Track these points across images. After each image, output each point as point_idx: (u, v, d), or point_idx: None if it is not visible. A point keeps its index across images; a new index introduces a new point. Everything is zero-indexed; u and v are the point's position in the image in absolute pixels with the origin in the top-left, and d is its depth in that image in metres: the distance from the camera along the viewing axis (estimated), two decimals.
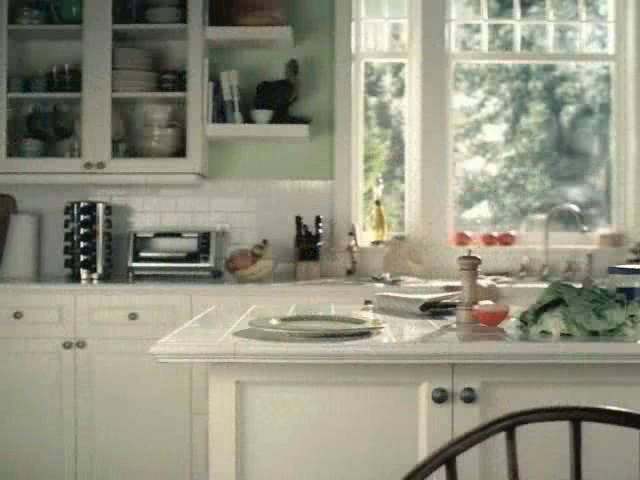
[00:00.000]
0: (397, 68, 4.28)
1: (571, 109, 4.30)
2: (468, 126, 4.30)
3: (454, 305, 2.16)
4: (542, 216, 4.16)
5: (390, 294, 2.49)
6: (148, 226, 4.00)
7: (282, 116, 3.86)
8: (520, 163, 4.27)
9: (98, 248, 3.78)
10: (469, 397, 1.76)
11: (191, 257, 3.77)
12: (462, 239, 4.11)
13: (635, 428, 1.09)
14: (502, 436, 1.10)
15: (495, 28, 4.27)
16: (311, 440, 1.79)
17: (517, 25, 4.23)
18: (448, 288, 3.18)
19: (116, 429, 3.40)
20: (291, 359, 1.72)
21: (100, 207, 3.80)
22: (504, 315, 1.97)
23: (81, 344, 3.40)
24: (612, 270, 2.13)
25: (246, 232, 4.03)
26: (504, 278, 3.82)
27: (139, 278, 3.75)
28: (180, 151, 3.79)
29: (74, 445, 3.40)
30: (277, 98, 3.86)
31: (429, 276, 3.82)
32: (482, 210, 4.27)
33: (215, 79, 3.83)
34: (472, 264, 2.04)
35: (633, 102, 4.10)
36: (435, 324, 2.04)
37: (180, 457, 3.40)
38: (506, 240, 4.10)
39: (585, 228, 3.94)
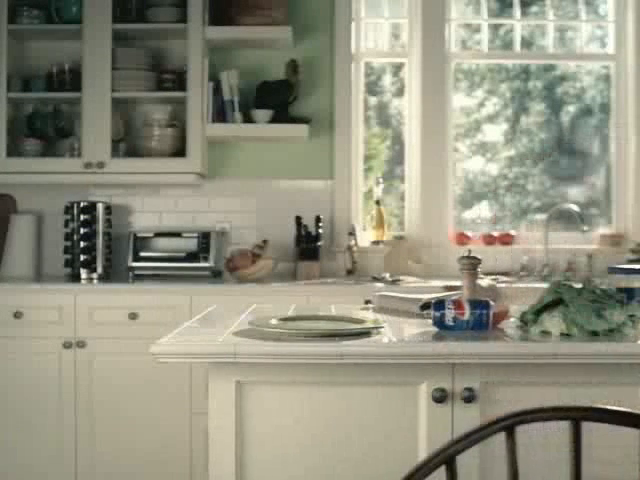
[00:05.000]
0: (397, 68, 4.27)
1: (571, 109, 4.30)
2: (468, 126, 4.29)
3: None
4: (542, 216, 4.16)
5: (390, 294, 2.49)
6: (148, 226, 4.00)
7: (282, 116, 3.86)
8: (520, 163, 4.27)
9: (98, 248, 3.78)
10: (469, 397, 1.76)
11: (191, 257, 3.77)
12: (462, 239, 4.11)
13: (635, 428, 1.09)
14: (502, 436, 1.10)
15: (495, 28, 4.27)
16: (311, 440, 1.79)
17: (517, 25, 4.23)
18: (448, 288, 3.18)
19: (116, 429, 3.40)
20: (291, 359, 1.72)
21: (100, 207, 3.80)
22: (504, 315, 1.97)
23: (81, 344, 3.40)
24: (612, 270, 2.13)
25: (246, 232, 4.03)
26: (504, 278, 3.82)
27: (139, 278, 3.75)
28: (180, 151, 3.79)
29: (74, 445, 3.40)
30: (277, 98, 3.86)
31: (429, 276, 3.82)
32: (482, 210, 4.27)
33: (215, 79, 3.83)
34: (472, 264, 2.04)
35: (633, 102, 4.11)
36: None
37: (180, 457, 3.41)
38: (506, 240, 4.10)
39: (585, 228, 3.94)
